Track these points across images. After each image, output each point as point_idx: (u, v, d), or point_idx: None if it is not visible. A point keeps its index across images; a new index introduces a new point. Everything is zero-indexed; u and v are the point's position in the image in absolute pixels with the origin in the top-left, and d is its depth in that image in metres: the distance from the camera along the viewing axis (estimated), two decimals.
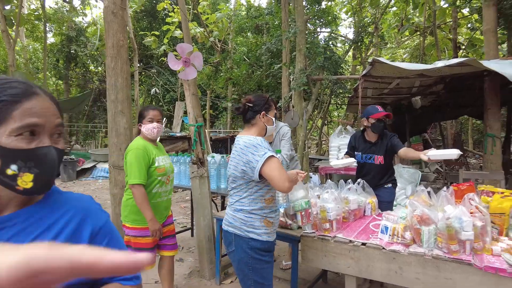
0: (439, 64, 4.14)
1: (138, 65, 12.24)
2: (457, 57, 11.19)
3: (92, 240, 0.80)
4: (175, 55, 3.19)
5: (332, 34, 6.64)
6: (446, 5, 11.26)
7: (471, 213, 2.07)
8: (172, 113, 13.30)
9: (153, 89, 10.45)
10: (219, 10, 11.10)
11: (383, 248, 2.16)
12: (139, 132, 2.66)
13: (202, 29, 11.05)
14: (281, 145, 3.28)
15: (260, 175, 1.86)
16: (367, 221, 2.69)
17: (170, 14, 10.62)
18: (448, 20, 12.09)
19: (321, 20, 8.45)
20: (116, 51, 3.18)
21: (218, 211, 4.05)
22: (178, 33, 10.86)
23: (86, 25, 15.03)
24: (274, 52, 7.58)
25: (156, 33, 11.27)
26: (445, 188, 2.40)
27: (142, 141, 2.57)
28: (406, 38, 15.11)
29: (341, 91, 7.14)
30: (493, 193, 2.36)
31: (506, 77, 3.71)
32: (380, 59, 3.98)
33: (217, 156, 4.16)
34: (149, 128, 2.59)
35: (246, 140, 1.94)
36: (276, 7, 8.71)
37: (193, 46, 3.51)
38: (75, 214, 0.81)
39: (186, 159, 4.11)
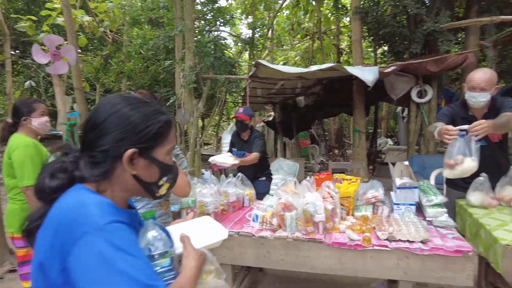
0: (313, 68, 4.68)
1: (13, 52, 10.59)
2: (339, 61, 12.69)
3: None
4: (43, 48, 2.90)
5: (221, 35, 6.85)
6: (330, 14, 12.66)
7: (323, 198, 2.44)
8: (56, 108, 11.88)
9: (28, 82, 9.15)
10: None
11: (253, 235, 2.38)
12: (12, 128, 2.34)
13: (90, 18, 10.13)
14: None
15: None
16: (244, 211, 2.90)
17: None
18: (332, 27, 13.49)
19: (219, 19, 8.60)
20: None
21: None
22: (61, 20, 9.74)
23: None
24: (161, 49, 7.44)
25: (33, 18, 9.88)
26: (308, 177, 2.75)
27: (28, 138, 2.27)
28: (297, 42, 16.42)
29: (235, 90, 7.45)
30: (343, 180, 2.80)
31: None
32: (263, 62, 4.30)
33: None
34: (43, 122, 2.33)
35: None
36: (169, 2, 8.54)
37: (80, 36, 3.24)
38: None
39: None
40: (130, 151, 0.82)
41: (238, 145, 3.46)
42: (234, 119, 3.29)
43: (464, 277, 1.98)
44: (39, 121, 2.33)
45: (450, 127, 2.11)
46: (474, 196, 2.52)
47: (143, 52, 10.02)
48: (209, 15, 9.05)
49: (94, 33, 10.57)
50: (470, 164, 2.14)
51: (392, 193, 2.78)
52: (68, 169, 0.84)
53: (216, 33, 7.13)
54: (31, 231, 0.83)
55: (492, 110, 2.48)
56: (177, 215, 2.53)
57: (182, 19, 5.79)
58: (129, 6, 11.37)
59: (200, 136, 5.65)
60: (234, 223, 2.61)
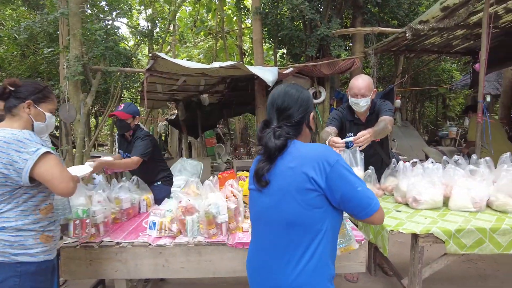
0: (215, 64, 4.56)
1: None
2: (242, 61, 12.90)
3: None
4: None
5: (115, 24, 6.21)
6: (233, 14, 12.76)
7: (226, 197, 2.33)
8: None
9: None
10: None
11: (150, 244, 2.13)
12: None
13: None
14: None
15: (32, 178, 1.51)
16: (141, 218, 2.61)
17: None
18: (235, 28, 13.61)
19: (114, 8, 7.81)
20: None
21: None
22: None
23: None
24: (42, 35, 6.40)
25: None
26: (211, 177, 2.61)
27: None
28: (201, 40, 16.16)
29: (130, 85, 6.86)
30: (246, 178, 2.74)
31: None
32: (161, 54, 3.99)
33: None
34: None
35: (5, 134, 1.51)
36: None
37: None
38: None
39: None
40: (311, 115, 1.38)
41: (123, 146, 3.03)
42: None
43: (358, 264, 2.10)
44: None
45: (338, 139, 2.23)
46: None
47: (18, 38, 8.49)
48: (103, 2, 8.16)
49: None
50: (357, 173, 2.29)
51: None
52: (282, 134, 1.26)
53: (109, 20, 6.41)
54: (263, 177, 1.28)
55: (373, 113, 2.80)
56: (64, 227, 2.11)
57: (67, 2, 5.03)
58: None
59: (90, 136, 4.98)
60: (128, 233, 2.31)
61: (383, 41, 5.49)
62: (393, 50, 5.87)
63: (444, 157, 2.96)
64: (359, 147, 2.27)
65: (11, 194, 1.53)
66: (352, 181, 1.21)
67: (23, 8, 9.87)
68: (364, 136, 2.19)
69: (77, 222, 2.08)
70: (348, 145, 2.32)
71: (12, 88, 1.64)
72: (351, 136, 2.33)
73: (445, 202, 2.51)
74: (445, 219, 2.25)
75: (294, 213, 1.22)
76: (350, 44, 7.03)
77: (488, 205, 2.44)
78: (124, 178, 2.75)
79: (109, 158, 2.76)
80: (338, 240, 1.54)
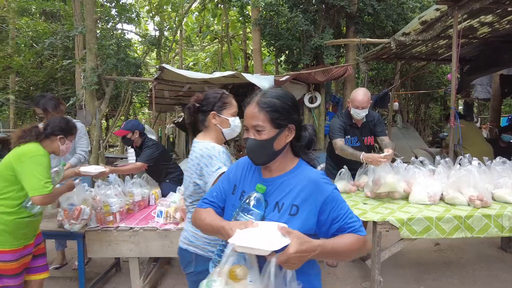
0: (217, 74, 5.05)
1: None
2: (247, 65, 13.36)
3: (322, 207, 1.15)
4: None
5: (126, 37, 6.74)
6: (237, 20, 13.23)
7: None
8: None
9: None
10: None
11: (157, 228, 2.63)
12: (39, 136, 2.18)
13: None
14: (79, 143, 3.29)
15: None
16: (150, 209, 3.11)
17: None
18: (240, 33, 14.06)
19: (122, 16, 8.34)
20: None
21: None
22: None
23: None
24: (60, 47, 6.98)
25: None
26: None
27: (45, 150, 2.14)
28: (207, 44, 16.68)
29: (139, 90, 7.40)
30: None
31: None
32: (167, 66, 4.49)
33: None
34: (68, 148, 2.29)
35: (203, 148, 1.68)
36: None
37: None
38: (307, 184, 1.17)
39: None
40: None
41: (138, 155, 3.54)
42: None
43: None
44: (67, 146, 2.30)
45: (379, 156, 2.84)
46: (338, 184, 3.18)
47: (36, 46, 9.10)
48: (113, 10, 8.70)
49: None
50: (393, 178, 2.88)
51: None
52: None
53: (119, 31, 6.93)
54: None
55: (370, 121, 3.36)
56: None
57: (82, 16, 5.57)
58: None
59: (104, 138, 5.51)
60: (139, 220, 2.81)
61: (372, 50, 5.91)
62: (383, 58, 6.29)
63: (413, 157, 3.40)
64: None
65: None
66: None
67: (39, 18, 10.49)
68: (391, 154, 2.87)
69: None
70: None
71: (198, 104, 1.76)
72: (348, 138, 3.29)
73: (407, 197, 2.95)
74: (402, 211, 2.70)
75: None
76: (344, 52, 7.47)
77: (442, 199, 2.88)
78: (135, 176, 3.25)
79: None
80: None
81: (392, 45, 5.06)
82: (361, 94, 3.18)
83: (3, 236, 2.03)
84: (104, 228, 2.66)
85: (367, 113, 3.23)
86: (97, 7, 5.90)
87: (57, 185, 2.34)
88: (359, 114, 3.20)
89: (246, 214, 1.14)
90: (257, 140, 1.16)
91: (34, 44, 9.47)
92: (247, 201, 1.16)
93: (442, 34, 5.00)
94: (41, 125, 2.27)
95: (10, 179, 2.05)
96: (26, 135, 2.15)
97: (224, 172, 1.57)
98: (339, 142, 3.19)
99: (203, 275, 1.55)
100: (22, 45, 9.79)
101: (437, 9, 4.12)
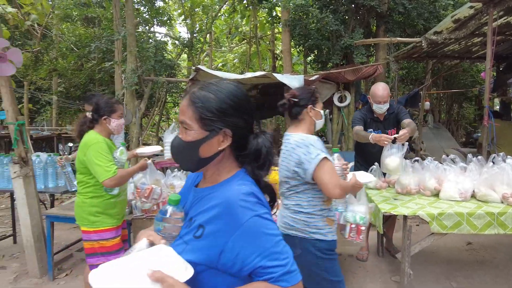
0: (248, 75, 5.24)
1: None
2: (275, 65, 13.52)
3: (230, 240, 0.85)
4: None
5: (163, 39, 7.10)
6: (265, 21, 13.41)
7: None
8: None
9: None
10: None
11: None
12: (91, 124, 2.40)
13: (14, 10, 9.50)
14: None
15: (313, 178, 1.78)
16: None
17: None
18: (268, 33, 14.24)
19: (156, 19, 8.74)
20: None
21: (46, 209, 3.95)
22: None
23: None
24: (104, 50, 7.46)
25: None
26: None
27: (101, 136, 2.36)
28: (235, 45, 16.99)
29: (174, 91, 7.76)
30: (272, 170, 3.38)
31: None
32: (202, 67, 4.73)
33: (43, 155, 4.01)
34: (120, 124, 2.42)
35: (298, 139, 1.83)
36: (107, 2, 8.45)
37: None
38: (219, 205, 0.90)
39: (3, 159, 3.79)
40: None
41: None
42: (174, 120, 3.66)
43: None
44: (117, 123, 2.38)
45: (387, 136, 2.82)
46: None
47: (76, 50, 9.70)
48: (146, 14, 9.13)
49: (19, 26, 9.93)
50: (396, 160, 2.81)
51: None
52: None
53: (157, 36, 7.31)
54: None
55: (391, 113, 3.42)
56: (342, 227, 2.28)
57: (122, 21, 5.94)
58: None
59: (141, 135, 5.86)
60: None
61: (403, 49, 5.90)
62: (414, 57, 6.24)
63: (444, 156, 3.43)
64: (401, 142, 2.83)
65: (302, 187, 1.84)
66: None
67: (79, 23, 11.15)
68: (404, 134, 2.78)
69: (353, 226, 2.23)
70: (393, 141, 2.92)
71: (296, 100, 1.92)
72: (371, 131, 3.21)
73: (437, 194, 3.00)
74: (433, 206, 2.76)
75: None
76: (374, 51, 7.45)
77: (473, 196, 2.90)
78: (176, 170, 3.49)
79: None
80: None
81: (423, 44, 5.04)
82: (380, 89, 3.26)
83: (99, 216, 2.31)
84: (148, 216, 2.91)
85: (388, 106, 3.30)
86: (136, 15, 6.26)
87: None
88: (381, 108, 3.27)
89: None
90: (181, 140, 0.95)
91: (74, 48, 10.10)
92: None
93: (477, 32, 4.93)
94: (88, 114, 2.48)
95: (85, 171, 2.32)
96: (82, 127, 2.40)
97: (325, 157, 1.74)
98: (355, 128, 3.30)
99: (307, 257, 1.79)
100: (64, 49, 10.46)
101: (471, 7, 4.10)
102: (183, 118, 0.94)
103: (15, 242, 4.20)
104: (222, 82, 0.98)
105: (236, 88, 0.97)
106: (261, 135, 0.98)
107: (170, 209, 0.97)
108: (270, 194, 1.03)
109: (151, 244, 0.95)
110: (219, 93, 0.94)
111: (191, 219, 0.95)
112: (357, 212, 2.23)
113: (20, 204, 3.26)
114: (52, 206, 4.26)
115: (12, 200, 4.07)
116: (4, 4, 9.67)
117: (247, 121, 0.98)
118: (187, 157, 0.96)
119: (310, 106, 1.92)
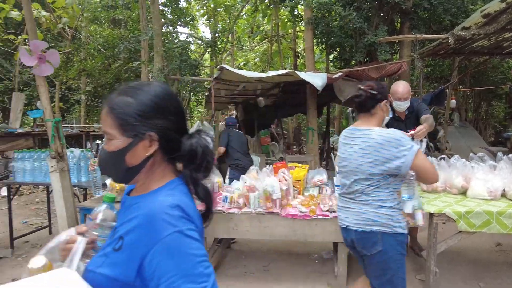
0: (271, 73, 5.29)
1: None
2: (296, 64, 13.50)
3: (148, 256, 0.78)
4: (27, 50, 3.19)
5: (187, 39, 7.25)
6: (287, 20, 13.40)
7: (280, 181, 3.04)
8: (7, 105, 11.44)
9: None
10: None
11: (224, 212, 2.93)
12: None
13: (48, 14, 9.96)
14: None
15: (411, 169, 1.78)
16: (215, 196, 3.43)
17: None
18: (289, 32, 14.23)
19: (180, 19, 8.93)
20: None
21: (80, 202, 4.17)
22: (15, 14, 9.48)
23: None
24: (132, 50, 7.71)
25: None
26: (267, 166, 3.35)
27: None
28: (257, 44, 17.08)
29: (198, 90, 7.91)
30: (295, 167, 3.43)
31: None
32: (226, 67, 4.82)
33: (76, 151, 4.21)
34: None
35: (385, 134, 1.81)
36: (133, 4, 8.72)
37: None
38: (140, 216, 0.83)
39: (41, 154, 4.02)
40: None
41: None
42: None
43: None
44: None
45: (402, 133, 2.78)
46: None
47: (104, 50, 10.06)
48: (169, 14, 9.34)
49: (52, 28, 10.38)
50: None
51: (334, 178, 3.45)
52: None
53: (182, 37, 7.49)
54: None
55: (412, 112, 3.36)
56: (412, 216, 2.40)
57: (148, 22, 6.12)
58: (87, 2, 11.25)
59: None
60: None
61: (428, 46, 5.77)
62: (440, 54, 6.09)
63: (471, 154, 3.36)
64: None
65: (385, 181, 1.82)
66: None
67: (106, 25, 11.54)
68: (421, 130, 2.74)
69: (424, 212, 2.47)
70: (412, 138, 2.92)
71: (375, 92, 1.88)
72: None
73: (465, 193, 2.95)
74: (460, 204, 2.72)
75: None
76: (399, 48, 7.32)
77: (503, 195, 2.83)
78: None
79: None
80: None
81: (450, 41, 4.92)
82: (401, 86, 3.20)
83: None
84: None
85: (409, 104, 3.24)
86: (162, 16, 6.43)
87: None
88: (402, 106, 3.20)
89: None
90: (106, 151, 0.88)
91: (101, 49, 10.48)
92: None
93: (508, 27, 4.76)
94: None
95: None
96: None
97: (418, 148, 1.77)
98: None
99: (388, 253, 1.79)
100: (92, 49, 10.87)
101: (502, 1, 3.97)
102: (103, 128, 0.88)
103: (50, 232, 4.45)
104: (142, 83, 0.91)
105: (158, 88, 0.90)
106: (196, 135, 0.92)
107: (103, 207, 0.95)
108: (207, 201, 0.95)
109: (82, 236, 0.93)
110: (138, 95, 0.87)
111: (115, 229, 0.89)
112: (418, 197, 2.34)
113: (56, 197, 3.45)
114: (85, 199, 4.48)
115: (48, 193, 4.30)
116: (38, 9, 10.15)
117: (175, 122, 0.90)
118: (114, 168, 0.90)
119: (386, 100, 1.94)
